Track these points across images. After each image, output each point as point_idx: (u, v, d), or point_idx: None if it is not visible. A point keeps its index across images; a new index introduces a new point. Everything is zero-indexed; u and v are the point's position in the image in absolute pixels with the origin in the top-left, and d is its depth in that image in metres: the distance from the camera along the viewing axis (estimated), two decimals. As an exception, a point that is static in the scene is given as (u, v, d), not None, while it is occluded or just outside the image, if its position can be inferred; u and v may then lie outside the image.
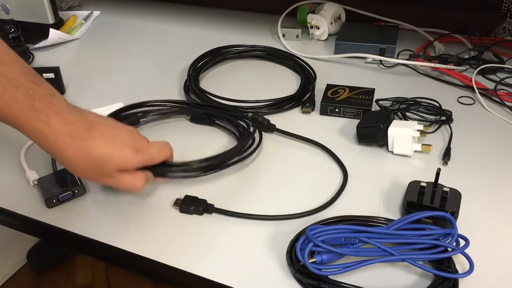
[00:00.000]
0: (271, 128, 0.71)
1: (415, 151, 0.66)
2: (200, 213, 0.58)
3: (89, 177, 0.54)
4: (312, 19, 0.98)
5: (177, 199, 0.59)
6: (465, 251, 0.48)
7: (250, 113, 0.73)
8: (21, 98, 0.47)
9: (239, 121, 0.71)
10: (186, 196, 0.59)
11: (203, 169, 0.60)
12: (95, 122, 0.52)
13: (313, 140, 0.69)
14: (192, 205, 0.58)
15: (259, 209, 0.58)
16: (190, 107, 0.77)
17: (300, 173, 0.64)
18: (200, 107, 0.76)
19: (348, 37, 0.94)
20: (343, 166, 0.64)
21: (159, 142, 0.58)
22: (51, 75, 0.81)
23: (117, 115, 0.72)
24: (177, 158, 0.60)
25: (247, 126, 0.70)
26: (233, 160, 0.63)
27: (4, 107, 0.47)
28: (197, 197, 0.59)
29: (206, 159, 0.60)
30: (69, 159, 0.51)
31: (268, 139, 0.70)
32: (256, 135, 0.69)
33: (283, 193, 0.61)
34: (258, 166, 0.65)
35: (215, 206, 0.58)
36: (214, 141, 0.71)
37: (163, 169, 0.58)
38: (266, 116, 0.73)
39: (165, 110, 0.75)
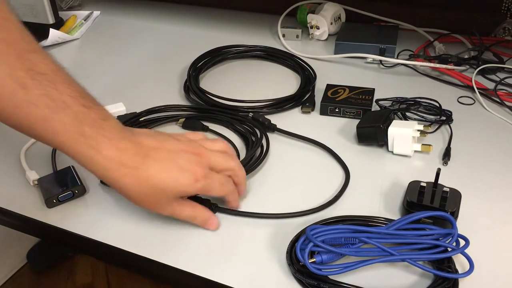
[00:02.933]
0: (272, 128, 0.71)
1: (415, 151, 0.66)
2: (202, 213, 0.57)
3: (148, 206, 0.51)
4: (312, 19, 0.98)
5: (178, 199, 0.59)
6: (465, 251, 0.48)
7: (250, 113, 0.73)
8: (68, 122, 0.46)
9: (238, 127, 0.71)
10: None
11: None
12: (151, 147, 0.49)
13: (314, 140, 0.69)
14: (194, 205, 0.58)
15: (260, 209, 0.58)
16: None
17: (300, 172, 0.64)
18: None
19: (348, 37, 0.94)
20: (345, 165, 0.64)
21: (223, 177, 0.53)
22: (51, 75, 0.81)
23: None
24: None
25: (252, 130, 0.69)
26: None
27: (51, 130, 0.46)
28: (200, 197, 0.58)
29: None
30: (124, 187, 0.49)
31: (269, 139, 0.70)
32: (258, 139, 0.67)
33: (283, 192, 0.61)
34: (258, 165, 0.65)
35: (218, 205, 0.58)
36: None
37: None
38: (266, 116, 0.73)
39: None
